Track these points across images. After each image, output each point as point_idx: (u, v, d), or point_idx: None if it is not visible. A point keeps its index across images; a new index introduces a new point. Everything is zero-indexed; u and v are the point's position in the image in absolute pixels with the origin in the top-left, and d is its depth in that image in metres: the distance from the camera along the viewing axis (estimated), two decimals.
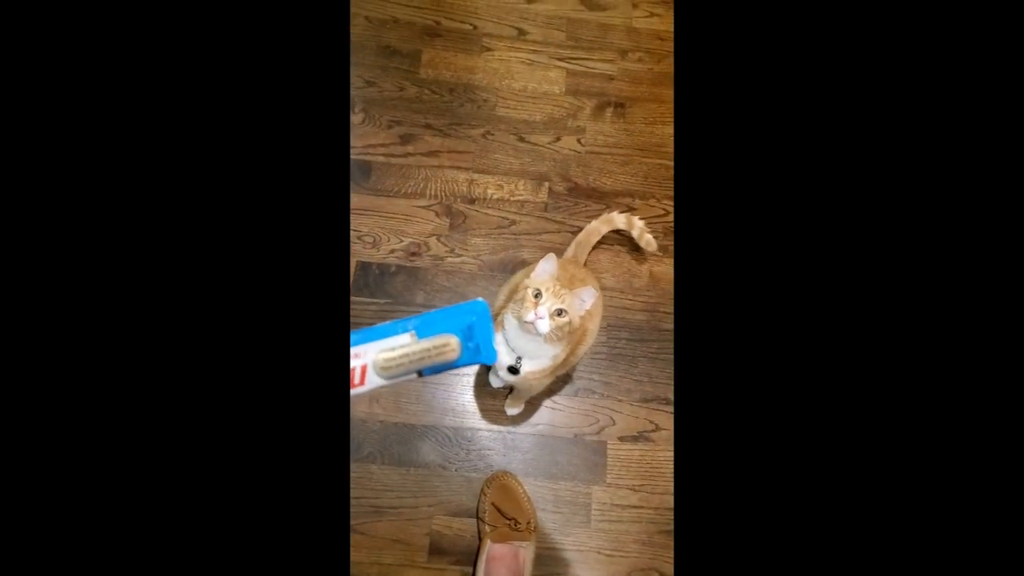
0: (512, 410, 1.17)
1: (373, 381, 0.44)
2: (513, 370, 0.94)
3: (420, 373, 0.45)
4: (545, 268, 0.89)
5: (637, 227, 1.25)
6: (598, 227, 1.26)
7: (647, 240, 1.24)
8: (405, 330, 0.44)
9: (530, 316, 0.84)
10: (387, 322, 0.45)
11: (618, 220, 1.26)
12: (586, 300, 0.88)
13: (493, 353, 0.46)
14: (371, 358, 0.43)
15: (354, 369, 0.43)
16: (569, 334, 0.89)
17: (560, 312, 0.85)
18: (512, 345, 0.91)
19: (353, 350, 0.43)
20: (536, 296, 0.86)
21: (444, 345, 0.45)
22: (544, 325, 0.84)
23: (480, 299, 0.47)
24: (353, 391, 0.44)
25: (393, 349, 0.44)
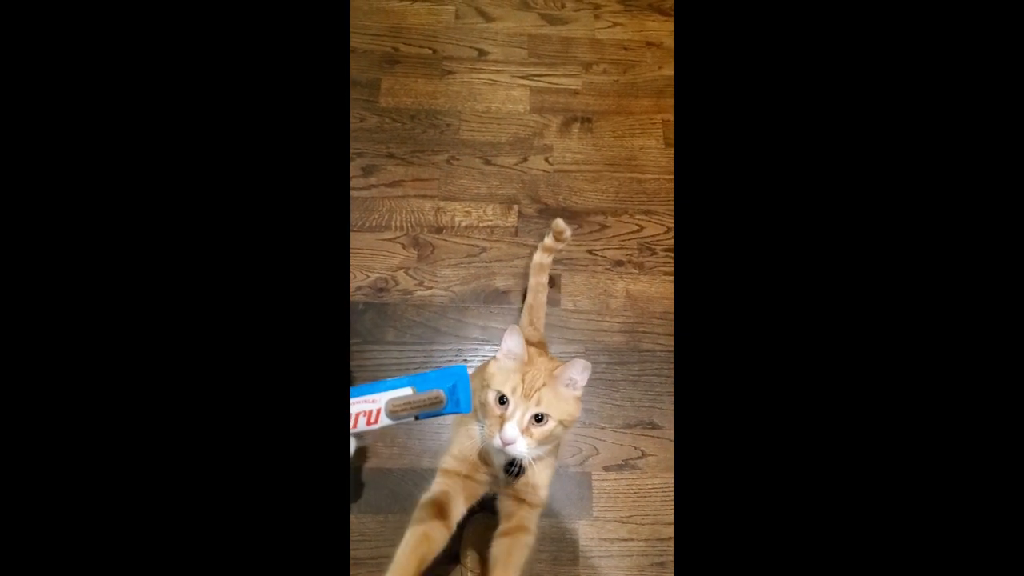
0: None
1: (384, 421, 0.57)
2: (510, 471, 0.74)
3: (416, 417, 0.58)
4: (509, 348, 0.69)
5: (553, 243, 1.07)
6: (539, 280, 1.10)
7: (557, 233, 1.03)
8: (408, 385, 0.57)
9: (496, 442, 0.64)
10: (393, 379, 0.58)
11: (544, 257, 1.09)
12: (578, 378, 0.67)
13: (469, 406, 0.58)
14: (383, 403, 0.56)
15: (371, 411, 0.56)
16: (567, 428, 0.67)
17: (540, 418, 0.64)
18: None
19: (370, 396, 0.56)
20: (502, 403, 0.65)
21: (435, 398, 0.57)
22: (520, 448, 0.63)
23: (463, 364, 0.65)
24: (368, 427, 0.56)
25: (399, 398, 0.56)
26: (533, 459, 0.68)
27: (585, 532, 1.11)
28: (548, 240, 1.06)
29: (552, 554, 1.09)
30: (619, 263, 1.31)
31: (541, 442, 0.65)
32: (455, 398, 0.58)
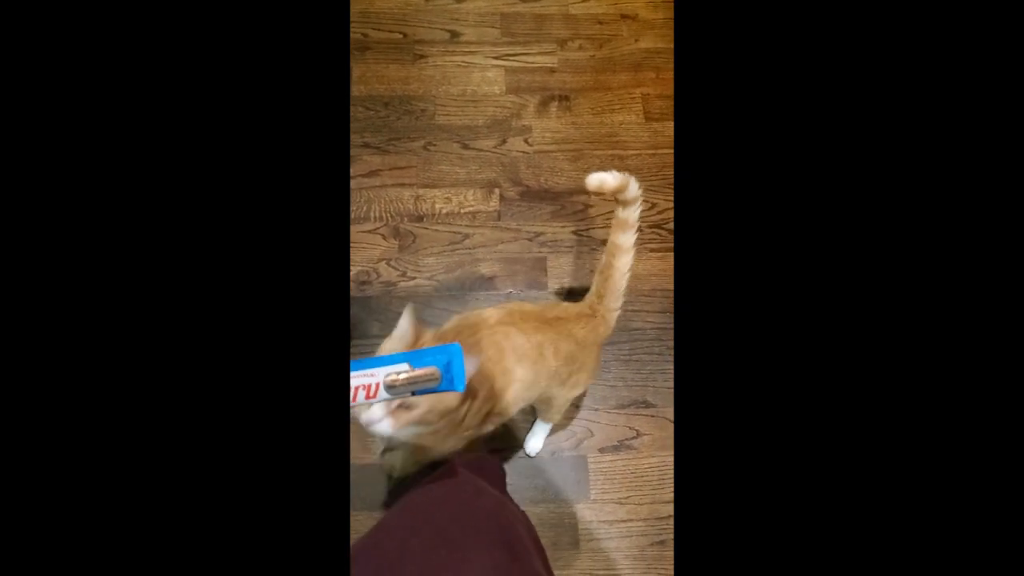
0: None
1: (382, 395, 0.57)
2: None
3: (413, 394, 0.58)
4: (398, 326, 0.68)
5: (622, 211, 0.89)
6: (620, 261, 0.94)
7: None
8: (404, 360, 0.58)
9: (364, 418, 0.64)
10: (388, 355, 0.58)
11: (620, 238, 0.93)
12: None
13: (463, 383, 0.59)
14: (381, 378, 0.57)
15: (370, 385, 0.56)
16: (442, 417, 0.67)
17: (407, 405, 0.64)
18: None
19: (369, 371, 0.56)
20: None
21: (431, 374, 0.57)
22: (383, 428, 0.64)
23: (456, 343, 0.59)
24: (367, 401, 0.56)
25: (398, 373, 0.57)
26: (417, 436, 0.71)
27: (584, 515, 1.10)
28: (619, 211, 0.87)
29: (552, 539, 1.08)
30: (605, 242, 1.29)
31: (413, 425, 0.66)
32: (449, 376, 0.59)
